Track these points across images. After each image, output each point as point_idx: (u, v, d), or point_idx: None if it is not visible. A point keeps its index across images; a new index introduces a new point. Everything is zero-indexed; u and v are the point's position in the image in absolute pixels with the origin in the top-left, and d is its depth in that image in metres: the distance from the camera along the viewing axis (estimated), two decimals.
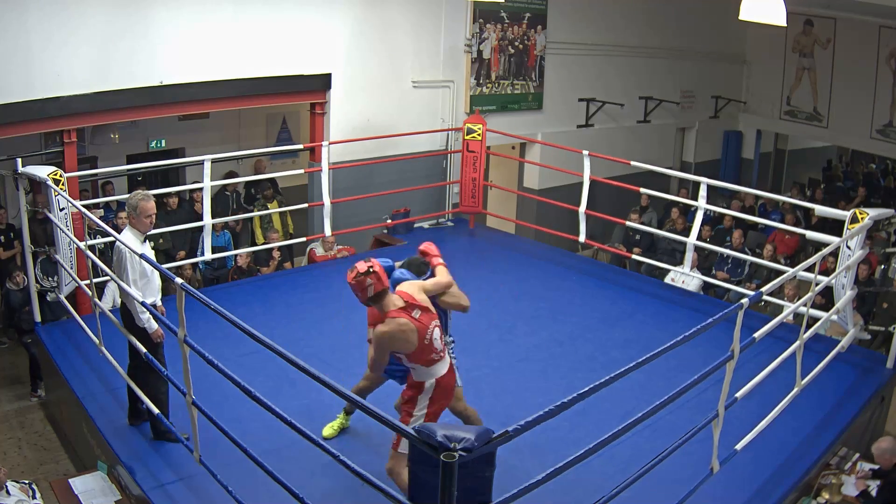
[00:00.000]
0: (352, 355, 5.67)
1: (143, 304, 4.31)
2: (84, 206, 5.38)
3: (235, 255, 7.69)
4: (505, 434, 2.43)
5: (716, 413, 3.76)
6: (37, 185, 6.84)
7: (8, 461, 5.52)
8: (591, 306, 6.91)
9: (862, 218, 5.77)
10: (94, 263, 5.32)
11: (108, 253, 7.08)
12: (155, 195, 7.51)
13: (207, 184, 6.84)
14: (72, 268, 5.95)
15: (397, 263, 4.11)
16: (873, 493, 4.64)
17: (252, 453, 3.42)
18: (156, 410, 4.31)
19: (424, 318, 3.67)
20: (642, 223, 8.99)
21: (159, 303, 4.65)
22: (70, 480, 4.60)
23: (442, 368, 3.76)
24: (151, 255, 4.60)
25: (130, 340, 4.46)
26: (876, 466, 4.77)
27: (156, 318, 4.27)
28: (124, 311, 4.49)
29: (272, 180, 8.57)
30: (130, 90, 6.78)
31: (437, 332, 3.72)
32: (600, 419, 3.85)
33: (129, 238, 4.44)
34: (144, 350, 4.39)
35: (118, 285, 4.51)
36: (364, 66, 8.49)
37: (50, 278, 6.61)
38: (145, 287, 4.47)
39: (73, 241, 5.76)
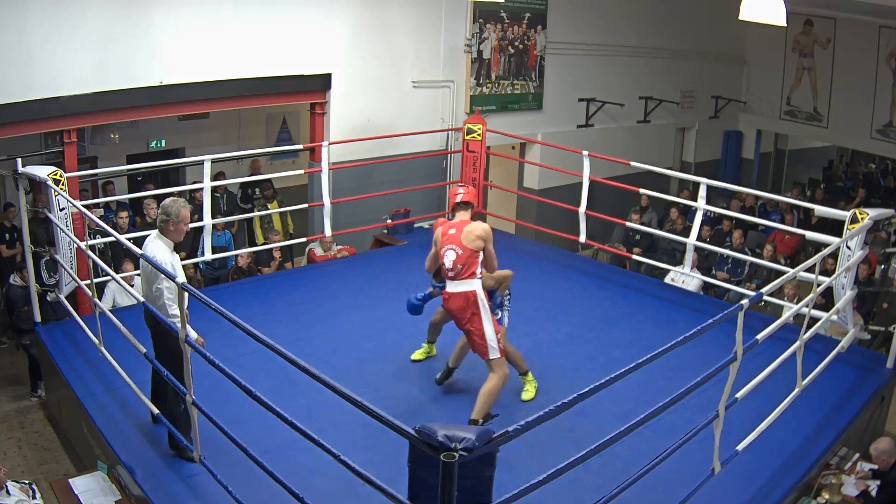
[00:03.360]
0: (352, 355, 5.69)
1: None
2: (84, 206, 5.37)
3: (236, 255, 7.69)
4: (505, 434, 2.44)
5: (716, 413, 3.76)
6: (37, 185, 6.83)
7: (8, 461, 5.51)
8: (591, 306, 6.91)
9: (862, 218, 5.77)
10: (94, 263, 5.32)
11: (108, 253, 7.10)
12: (156, 195, 7.66)
13: (207, 184, 6.84)
14: (72, 268, 5.95)
15: None
16: (873, 493, 4.64)
17: (252, 453, 3.42)
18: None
19: (449, 238, 4.56)
20: (642, 223, 8.99)
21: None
22: (70, 480, 4.59)
23: (448, 287, 4.61)
24: (180, 265, 4.31)
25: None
26: (875, 466, 4.77)
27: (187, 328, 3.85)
28: (149, 318, 4.20)
29: (269, 180, 8.57)
30: (130, 90, 6.78)
31: (450, 255, 4.54)
32: (600, 419, 3.85)
33: (158, 246, 4.15)
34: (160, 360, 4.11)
35: (151, 293, 4.17)
36: (364, 66, 8.49)
37: (54, 275, 6.58)
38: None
39: (74, 241, 5.76)
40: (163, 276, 4.02)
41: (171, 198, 4.35)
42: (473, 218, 4.71)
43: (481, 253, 4.57)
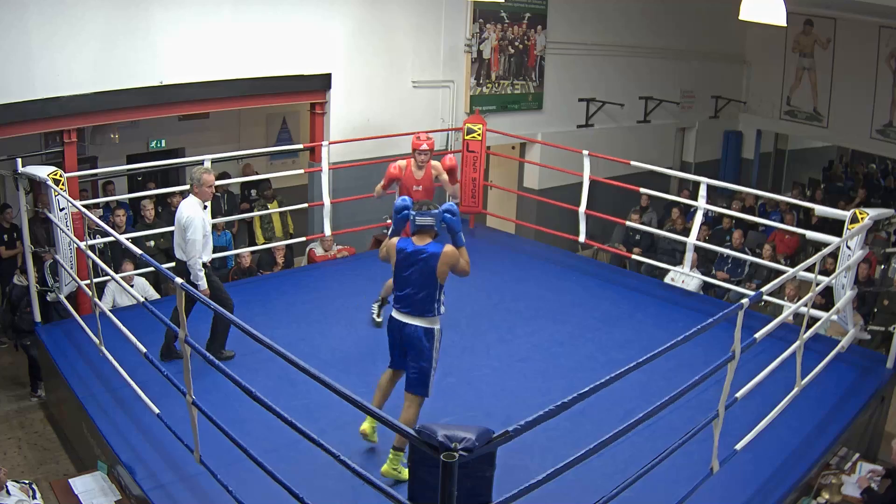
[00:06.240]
0: (351, 355, 5.69)
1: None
2: (84, 205, 5.38)
3: (236, 256, 7.68)
4: (505, 434, 2.43)
5: (716, 413, 3.77)
6: (37, 185, 6.83)
7: (8, 461, 5.52)
8: (591, 306, 6.91)
9: (862, 218, 5.77)
10: (94, 263, 5.32)
11: (108, 253, 7.09)
12: (156, 195, 7.67)
13: None
14: (72, 268, 5.95)
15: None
16: (875, 487, 4.61)
17: (252, 453, 3.42)
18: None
19: None
20: (642, 223, 8.99)
21: (206, 259, 5.34)
22: (70, 480, 4.59)
23: None
24: (209, 219, 5.47)
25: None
26: (878, 467, 4.76)
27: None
28: (180, 267, 5.19)
29: (268, 180, 8.57)
30: (130, 90, 6.78)
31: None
32: (600, 419, 3.85)
33: (193, 203, 5.14)
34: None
35: (179, 243, 5.13)
36: (364, 66, 8.49)
37: (58, 279, 6.58)
38: (204, 246, 5.19)
39: (74, 241, 5.76)
40: (193, 229, 5.03)
41: (198, 166, 5.53)
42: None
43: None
